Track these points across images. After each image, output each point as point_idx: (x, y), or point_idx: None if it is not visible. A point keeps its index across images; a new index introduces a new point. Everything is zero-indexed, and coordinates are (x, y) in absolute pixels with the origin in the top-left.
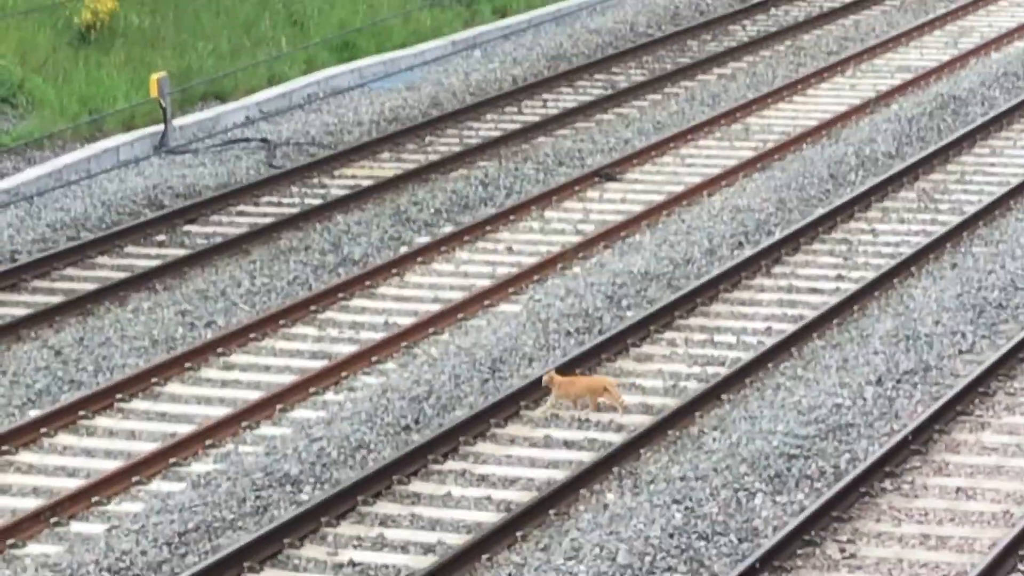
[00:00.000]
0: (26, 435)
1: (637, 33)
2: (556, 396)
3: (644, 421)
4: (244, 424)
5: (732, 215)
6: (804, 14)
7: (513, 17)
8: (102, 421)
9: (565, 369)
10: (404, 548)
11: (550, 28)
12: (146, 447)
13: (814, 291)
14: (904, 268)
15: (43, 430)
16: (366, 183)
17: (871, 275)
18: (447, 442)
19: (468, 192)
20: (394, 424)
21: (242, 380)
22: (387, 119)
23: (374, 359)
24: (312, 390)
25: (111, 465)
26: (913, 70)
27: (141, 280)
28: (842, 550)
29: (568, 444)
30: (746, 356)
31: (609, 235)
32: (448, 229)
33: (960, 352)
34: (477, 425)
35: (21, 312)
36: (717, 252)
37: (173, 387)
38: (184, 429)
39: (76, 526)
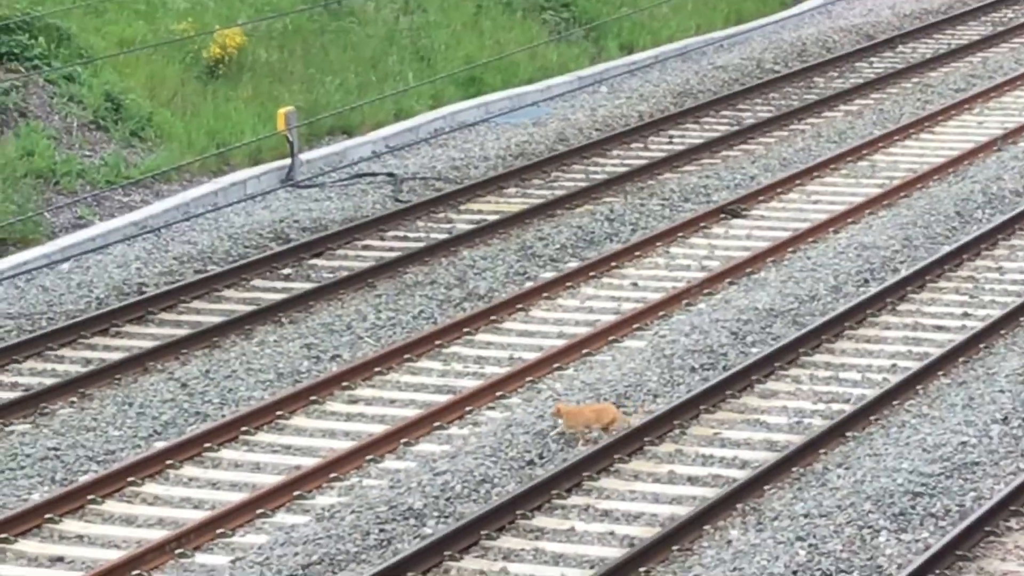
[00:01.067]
0: (152, 466)
1: (764, 70)
2: (565, 426)
3: (768, 457)
4: (368, 457)
5: (858, 252)
6: (931, 51)
7: (639, 53)
8: (227, 453)
9: (690, 406)
10: None
11: (676, 64)
12: (271, 479)
13: (940, 328)
14: None
15: (169, 461)
16: (492, 218)
17: (997, 313)
18: (571, 477)
19: (593, 227)
20: (518, 459)
21: (367, 413)
22: (513, 154)
23: (498, 393)
24: (436, 424)
25: (236, 497)
26: None
27: (267, 313)
28: None
29: (692, 480)
30: (871, 393)
31: (734, 271)
32: (573, 264)
33: None
34: (601, 460)
35: (148, 344)
36: (842, 289)
37: (298, 420)
38: (309, 462)
39: (201, 557)
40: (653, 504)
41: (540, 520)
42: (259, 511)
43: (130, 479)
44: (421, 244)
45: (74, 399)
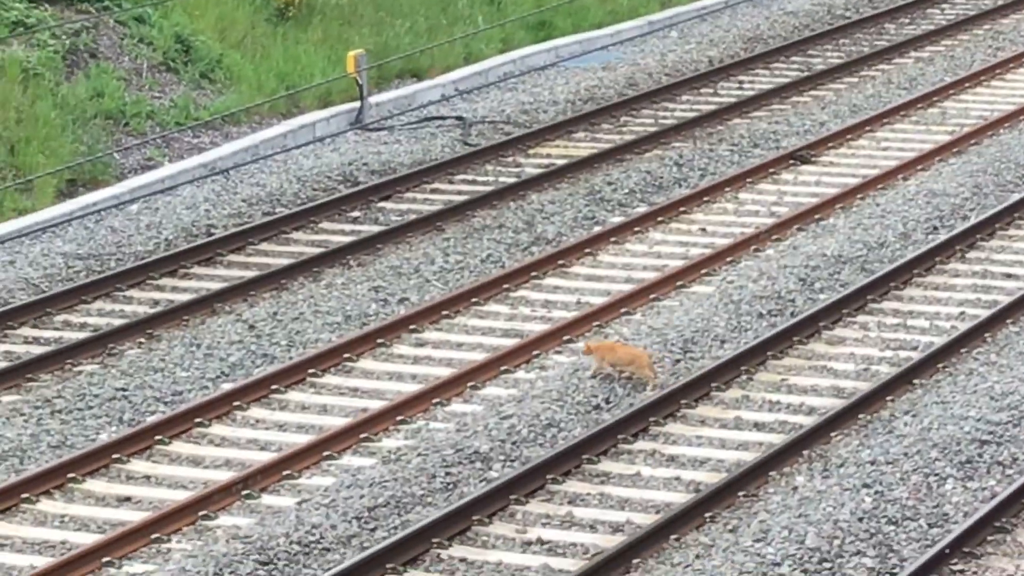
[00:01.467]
0: (219, 408)
1: (834, 15)
2: (596, 364)
3: (835, 404)
4: (435, 400)
5: (927, 199)
6: None
7: None
8: (294, 395)
9: (757, 352)
10: (592, 527)
11: (747, 10)
12: (337, 422)
13: (1009, 276)
14: None
15: (236, 403)
16: (560, 162)
17: None
18: (637, 422)
19: (662, 172)
20: (585, 403)
21: (434, 357)
22: (582, 98)
23: (566, 338)
24: (503, 367)
25: (303, 439)
26: None
27: (335, 256)
28: None
29: (758, 426)
30: (939, 341)
31: (803, 217)
32: (642, 209)
33: None
34: (668, 405)
35: (217, 286)
36: (911, 236)
37: (365, 362)
38: (375, 404)
39: (267, 499)
40: (719, 450)
41: (606, 465)
42: (325, 453)
43: (197, 420)
44: (489, 188)
45: (142, 340)
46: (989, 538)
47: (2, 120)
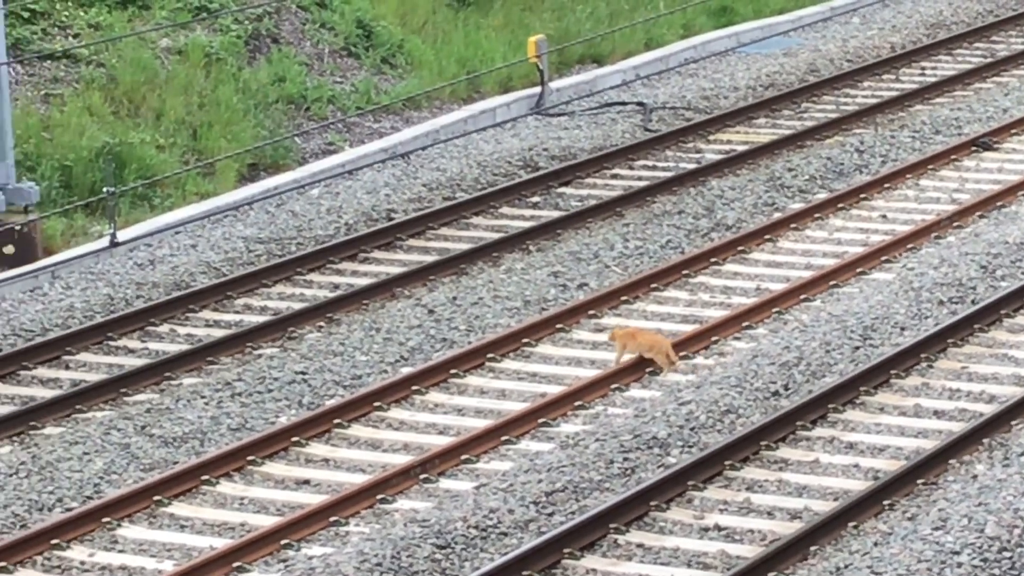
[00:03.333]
0: (398, 392)
1: (1018, 1)
2: (618, 349)
3: (1017, 392)
4: (613, 386)
5: None
6: None
7: None
8: (473, 380)
9: (937, 339)
10: (770, 513)
11: None
12: (516, 406)
13: None
14: None
15: (415, 387)
16: (741, 148)
17: None
18: (816, 409)
19: (843, 159)
20: (763, 389)
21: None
22: (763, 84)
23: (745, 324)
24: (683, 353)
25: (481, 423)
26: None
27: (515, 241)
28: None
29: (938, 414)
30: None
31: (985, 204)
32: (822, 196)
33: None
34: (847, 392)
35: (396, 270)
36: None
37: (544, 347)
38: (554, 389)
39: (445, 483)
40: (898, 437)
41: (784, 451)
42: (504, 438)
43: (376, 404)
44: (670, 174)
45: (322, 324)
46: None
47: (185, 104)
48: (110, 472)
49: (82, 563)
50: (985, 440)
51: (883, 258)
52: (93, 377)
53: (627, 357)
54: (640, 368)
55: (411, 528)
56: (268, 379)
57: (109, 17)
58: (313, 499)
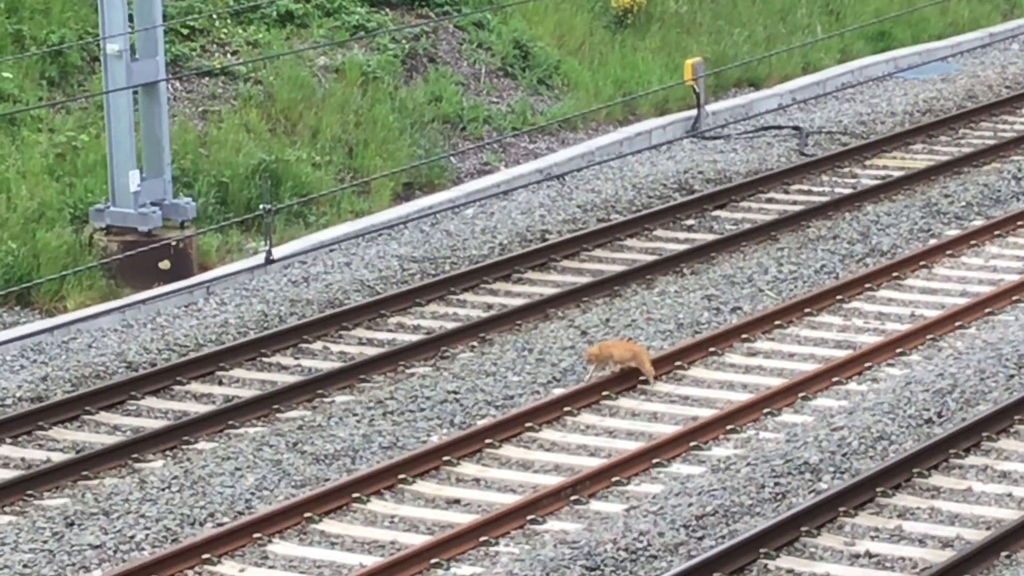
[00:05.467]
0: (550, 413)
1: None
2: (597, 361)
3: None
4: (765, 410)
5: None
6: None
7: None
8: (625, 402)
9: None
10: (922, 541)
11: None
12: (667, 429)
13: None
14: None
15: (566, 408)
16: (897, 174)
17: None
18: (970, 437)
19: (1000, 186)
20: (916, 416)
21: (765, 366)
22: (920, 110)
23: (899, 350)
24: (835, 379)
25: (632, 446)
26: None
27: (668, 263)
28: None
29: None
30: None
31: None
32: (978, 222)
33: None
34: (1001, 421)
35: (550, 291)
36: None
37: (696, 371)
38: (706, 413)
39: (595, 504)
40: None
41: (937, 479)
42: (655, 460)
43: (528, 424)
44: (825, 198)
45: (474, 343)
46: None
47: (341, 123)
48: (261, 488)
49: None
50: None
51: None
52: (246, 393)
53: (603, 372)
54: (792, 393)
55: (561, 549)
56: (420, 398)
57: (267, 35)
58: (463, 518)
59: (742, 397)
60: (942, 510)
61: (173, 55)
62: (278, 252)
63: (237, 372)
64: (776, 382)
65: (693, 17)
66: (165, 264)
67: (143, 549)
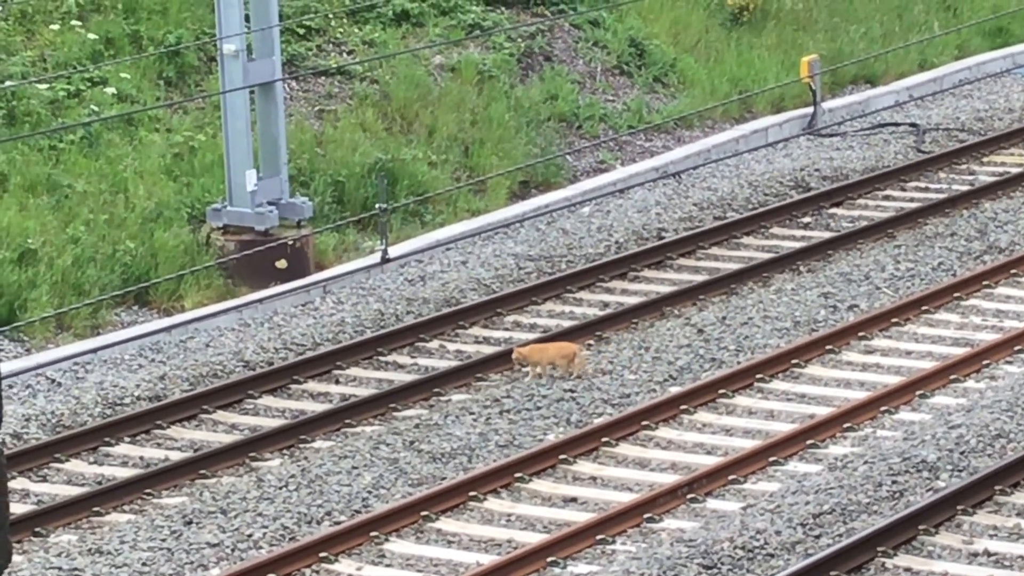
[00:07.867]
0: (666, 411)
1: None
2: (532, 365)
3: None
4: (883, 408)
5: None
6: None
7: None
8: (741, 400)
9: None
10: None
11: None
12: (784, 427)
13: None
14: None
15: (683, 406)
16: (1015, 170)
17: None
18: None
19: None
20: None
21: (882, 364)
22: None
23: (1017, 348)
24: (953, 376)
25: (749, 444)
26: None
27: (785, 261)
28: None
29: None
30: None
31: None
32: None
33: None
34: None
35: (666, 289)
36: None
37: (813, 369)
38: (823, 411)
39: (712, 503)
40: None
41: None
42: (771, 459)
43: (644, 423)
44: (942, 195)
45: (591, 342)
46: None
47: (457, 121)
48: (378, 487)
49: None
50: None
51: None
52: (363, 392)
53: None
54: (909, 391)
55: (677, 548)
56: (536, 396)
57: (383, 34)
58: (580, 517)
59: (859, 395)
60: None
61: (289, 55)
62: (394, 251)
63: (353, 371)
64: (893, 380)
65: (809, 14)
66: (282, 263)
67: (260, 547)
